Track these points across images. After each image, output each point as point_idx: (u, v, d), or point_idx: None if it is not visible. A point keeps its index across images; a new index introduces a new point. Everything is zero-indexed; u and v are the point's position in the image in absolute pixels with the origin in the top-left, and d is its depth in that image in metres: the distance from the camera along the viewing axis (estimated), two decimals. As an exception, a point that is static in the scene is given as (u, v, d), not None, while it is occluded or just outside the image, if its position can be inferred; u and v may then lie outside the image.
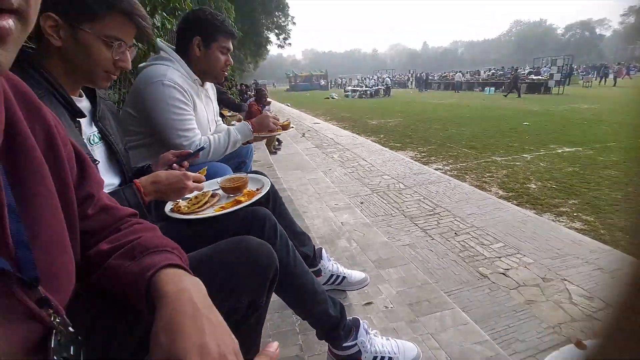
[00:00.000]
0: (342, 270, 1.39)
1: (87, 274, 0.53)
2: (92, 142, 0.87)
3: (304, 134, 7.30)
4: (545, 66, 22.95)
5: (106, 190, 0.86)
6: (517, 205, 3.14)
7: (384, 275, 1.74)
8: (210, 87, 1.71)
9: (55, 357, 0.37)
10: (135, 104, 1.29)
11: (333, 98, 22.36)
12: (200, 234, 0.86)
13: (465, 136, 6.55)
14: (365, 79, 35.74)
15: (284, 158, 4.75)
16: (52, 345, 0.37)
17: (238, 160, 2.03)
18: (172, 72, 1.30)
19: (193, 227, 0.89)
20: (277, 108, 13.09)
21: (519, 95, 16.35)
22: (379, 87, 25.35)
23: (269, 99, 6.58)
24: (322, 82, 46.32)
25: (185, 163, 1.06)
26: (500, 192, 3.51)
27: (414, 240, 2.48)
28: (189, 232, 0.88)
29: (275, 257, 0.74)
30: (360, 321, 1.03)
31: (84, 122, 0.84)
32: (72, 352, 0.40)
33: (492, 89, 21.38)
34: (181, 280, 0.47)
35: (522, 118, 8.67)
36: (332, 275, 1.35)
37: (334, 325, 0.97)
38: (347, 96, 24.11)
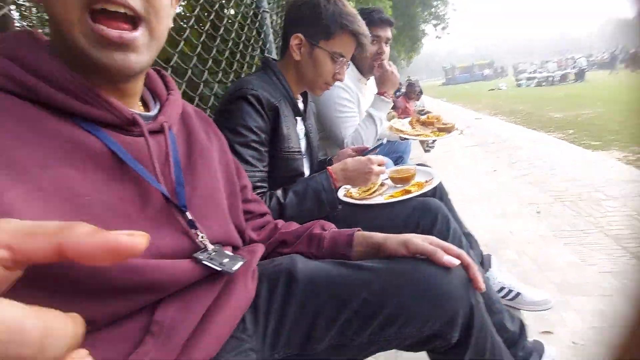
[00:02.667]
0: (517, 284, 1.20)
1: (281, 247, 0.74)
2: (299, 137, 1.06)
3: (462, 131, 6.65)
4: None
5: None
6: None
7: (573, 303, 1.39)
8: (373, 84, 1.81)
9: (201, 259, 0.49)
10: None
11: (500, 89, 19.36)
12: (371, 219, 0.92)
13: None
14: (547, 62, 29.19)
15: (439, 157, 4.47)
16: (197, 254, 0.50)
17: (395, 155, 2.05)
18: None
19: (364, 212, 0.96)
20: (431, 106, 12.43)
21: None
22: (567, 71, 20.23)
23: (419, 94, 6.26)
24: (486, 72, 40.83)
25: None
26: None
27: (621, 268, 1.87)
28: (360, 216, 0.96)
29: (467, 293, 0.59)
30: (546, 347, 0.86)
31: (300, 122, 1.05)
32: (222, 262, 0.52)
33: None
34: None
35: None
36: (502, 288, 1.18)
37: (510, 342, 0.85)
38: (519, 85, 20.40)
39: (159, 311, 0.45)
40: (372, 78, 1.78)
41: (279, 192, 0.93)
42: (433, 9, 18.90)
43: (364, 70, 1.58)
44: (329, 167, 0.97)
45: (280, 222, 0.79)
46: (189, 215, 0.51)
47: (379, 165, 0.96)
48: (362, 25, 0.98)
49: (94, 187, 0.41)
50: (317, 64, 0.97)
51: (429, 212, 0.88)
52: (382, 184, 1.07)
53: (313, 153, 1.14)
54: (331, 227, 0.75)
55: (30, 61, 0.40)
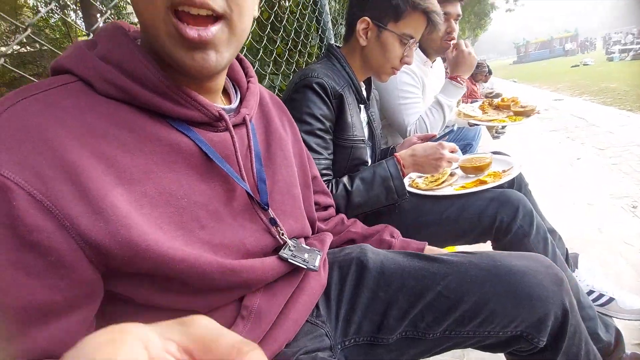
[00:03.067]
0: (610, 288, 1.05)
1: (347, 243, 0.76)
2: (362, 125, 1.05)
3: (538, 112, 5.93)
4: None
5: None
6: None
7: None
8: (439, 65, 1.69)
9: (286, 257, 0.52)
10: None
11: (586, 64, 16.81)
12: (440, 212, 0.88)
13: None
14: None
15: (510, 143, 4.07)
16: (282, 252, 0.52)
17: (464, 142, 1.92)
18: None
19: (432, 204, 0.92)
20: (501, 88, 11.29)
21: None
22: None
23: (487, 75, 5.62)
24: (569, 46, 35.64)
25: None
26: None
27: None
28: (428, 208, 0.92)
29: (562, 290, 0.54)
30: (649, 363, 0.75)
31: (363, 111, 1.03)
32: (305, 258, 0.54)
33: None
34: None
35: None
36: (591, 292, 1.05)
37: (604, 353, 0.76)
38: (611, 59, 17.50)
39: (247, 298, 0.50)
40: (438, 60, 1.66)
41: (345, 179, 0.92)
42: (504, -21, 16.88)
43: (429, 52, 1.48)
44: (396, 154, 0.94)
45: (345, 218, 0.79)
46: (271, 212, 0.52)
47: (451, 152, 0.90)
48: (433, 2, 0.92)
49: (189, 187, 0.43)
50: (385, 48, 0.93)
51: (509, 204, 0.80)
52: (451, 174, 1.00)
53: (375, 142, 1.11)
54: (399, 236, 0.76)
55: (126, 63, 0.41)
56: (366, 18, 0.93)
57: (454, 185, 0.97)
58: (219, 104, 0.52)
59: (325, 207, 0.77)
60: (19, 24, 0.66)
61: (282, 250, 0.52)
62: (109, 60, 0.41)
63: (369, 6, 0.93)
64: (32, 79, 0.45)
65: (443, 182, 0.97)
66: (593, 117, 5.10)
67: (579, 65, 16.86)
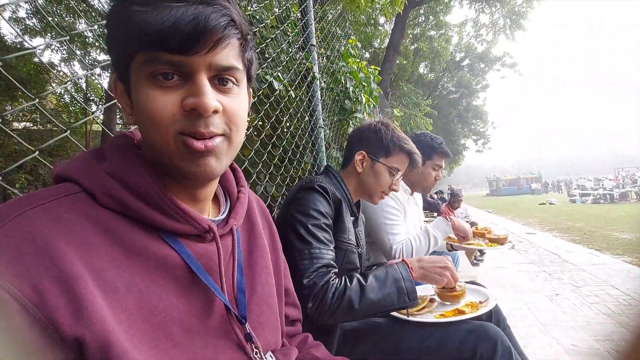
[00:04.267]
0: None
1: None
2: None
3: (513, 245, 6.22)
4: None
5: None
6: None
7: None
8: (418, 196, 1.90)
9: None
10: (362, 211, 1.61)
11: (552, 204, 18.50)
12: (421, 340, 0.86)
13: None
14: (602, 179, 28.00)
15: (489, 272, 4.13)
16: None
17: (442, 268, 1.97)
18: None
19: (414, 331, 0.91)
20: (476, 216, 12.04)
21: None
22: (628, 189, 19.12)
23: (460, 201, 6.16)
24: (534, 186, 39.79)
25: None
26: None
27: None
28: (409, 335, 0.91)
29: None
30: None
31: (352, 223, 1.12)
32: None
33: None
34: None
35: None
36: None
37: None
38: (573, 201, 19.41)
39: None
40: (418, 194, 1.89)
41: (358, 275, 0.92)
42: (472, 126, 20.00)
43: (413, 185, 1.70)
44: (405, 259, 0.97)
45: (310, 338, 0.75)
46: (247, 327, 0.52)
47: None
48: (414, 146, 1.16)
49: (168, 302, 0.44)
50: (378, 176, 1.12)
51: (488, 339, 0.81)
52: (431, 300, 1.02)
53: (362, 259, 1.16)
54: None
55: (132, 181, 0.44)
56: (362, 151, 1.14)
57: (434, 312, 0.97)
58: (208, 211, 0.55)
59: (293, 322, 0.75)
60: (62, 127, 0.76)
61: None
62: (117, 176, 0.44)
63: (366, 143, 1.15)
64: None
65: (423, 307, 0.98)
66: (565, 254, 5.35)
67: (545, 204, 18.52)
